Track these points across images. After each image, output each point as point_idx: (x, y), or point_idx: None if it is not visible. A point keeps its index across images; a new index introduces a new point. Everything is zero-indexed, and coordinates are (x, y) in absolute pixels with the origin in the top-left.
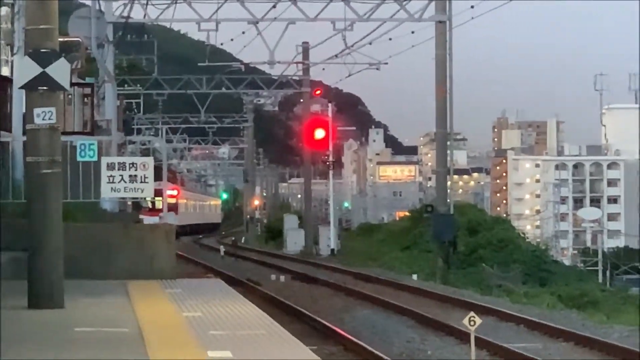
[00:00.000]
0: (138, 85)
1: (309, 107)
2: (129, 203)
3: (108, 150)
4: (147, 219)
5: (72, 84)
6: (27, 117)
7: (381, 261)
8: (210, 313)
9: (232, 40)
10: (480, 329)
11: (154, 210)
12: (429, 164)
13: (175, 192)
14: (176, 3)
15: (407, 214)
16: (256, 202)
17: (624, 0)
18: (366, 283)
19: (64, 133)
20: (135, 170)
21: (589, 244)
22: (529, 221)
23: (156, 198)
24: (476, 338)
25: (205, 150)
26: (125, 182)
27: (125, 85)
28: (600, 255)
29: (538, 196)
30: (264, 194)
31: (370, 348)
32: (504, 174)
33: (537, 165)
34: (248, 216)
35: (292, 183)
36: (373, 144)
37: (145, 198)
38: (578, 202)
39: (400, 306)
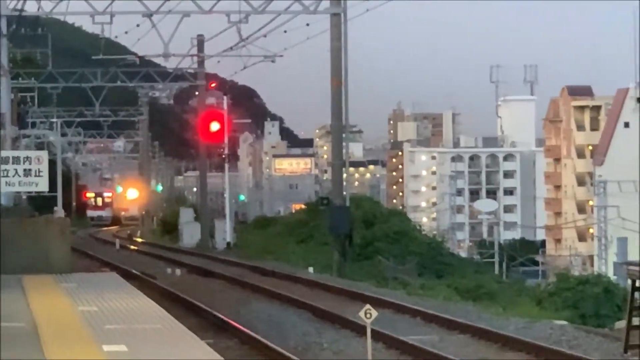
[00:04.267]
0: (32, 78)
1: (204, 100)
2: (24, 197)
3: (2, 145)
4: (92, 213)
5: None
6: None
7: (277, 254)
8: (105, 307)
9: (126, 33)
10: (377, 321)
11: (97, 206)
12: (325, 156)
13: (110, 194)
14: None
15: (303, 206)
16: (131, 196)
17: None
18: (262, 276)
19: None
20: (30, 164)
21: (485, 236)
22: (425, 213)
23: (98, 197)
24: (372, 331)
25: (100, 144)
26: (20, 176)
27: (20, 79)
28: (496, 247)
29: (434, 188)
30: (160, 187)
31: (265, 341)
32: (400, 166)
33: (433, 158)
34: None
35: (188, 176)
36: (269, 136)
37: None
38: (474, 194)
39: (296, 299)
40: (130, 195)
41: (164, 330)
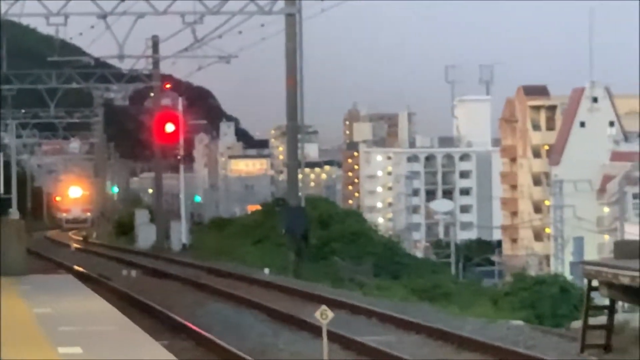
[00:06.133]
0: None
1: (160, 101)
2: None
3: None
4: (61, 215)
5: None
6: None
7: (233, 255)
8: (60, 309)
9: (81, 34)
10: (333, 322)
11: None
12: (281, 157)
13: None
14: None
15: (259, 207)
16: (73, 195)
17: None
18: (218, 277)
19: None
20: None
21: (441, 236)
22: (381, 214)
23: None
24: (328, 332)
25: (55, 145)
26: None
27: None
28: (452, 248)
29: (390, 189)
30: (116, 189)
31: (222, 343)
32: (356, 167)
33: (389, 158)
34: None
35: (144, 177)
36: (224, 137)
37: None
38: (430, 195)
39: (253, 300)
40: (72, 193)
41: (119, 332)
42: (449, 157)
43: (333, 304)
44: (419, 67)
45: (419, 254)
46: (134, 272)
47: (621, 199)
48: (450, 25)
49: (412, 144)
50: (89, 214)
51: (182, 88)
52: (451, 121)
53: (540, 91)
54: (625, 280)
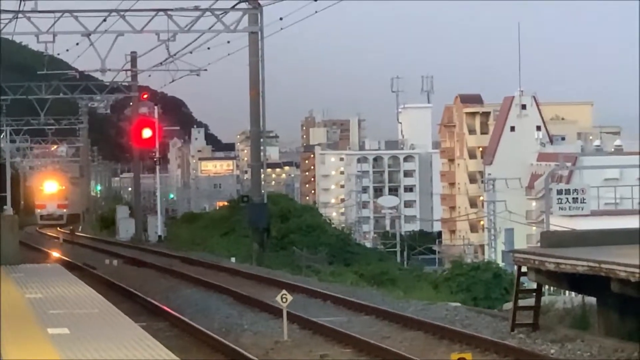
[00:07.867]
0: None
1: (138, 109)
2: None
3: None
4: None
5: None
6: None
7: (203, 246)
8: (50, 294)
9: (67, 50)
10: (292, 305)
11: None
12: (245, 159)
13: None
14: (17, 18)
15: (226, 203)
16: (49, 190)
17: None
18: (190, 265)
19: None
20: None
21: (388, 228)
22: (334, 209)
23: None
24: (288, 313)
25: (45, 149)
26: None
27: None
28: (398, 238)
29: (342, 186)
30: (99, 187)
31: (193, 323)
32: (312, 167)
33: (342, 159)
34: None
35: (124, 177)
36: (195, 141)
37: None
38: (378, 191)
39: (220, 285)
40: (48, 188)
41: (102, 315)
42: (394, 158)
43: (292, 288)
44: (368, 78)
45: (368, 244)
46: (115, 261)
47: (547, 195)
48: (396, 40)
49: (361, 147)
50: (65, 210)
51: (158, 98)
52: (396, 126)
53: (475, 99)
54: (551, 267)
